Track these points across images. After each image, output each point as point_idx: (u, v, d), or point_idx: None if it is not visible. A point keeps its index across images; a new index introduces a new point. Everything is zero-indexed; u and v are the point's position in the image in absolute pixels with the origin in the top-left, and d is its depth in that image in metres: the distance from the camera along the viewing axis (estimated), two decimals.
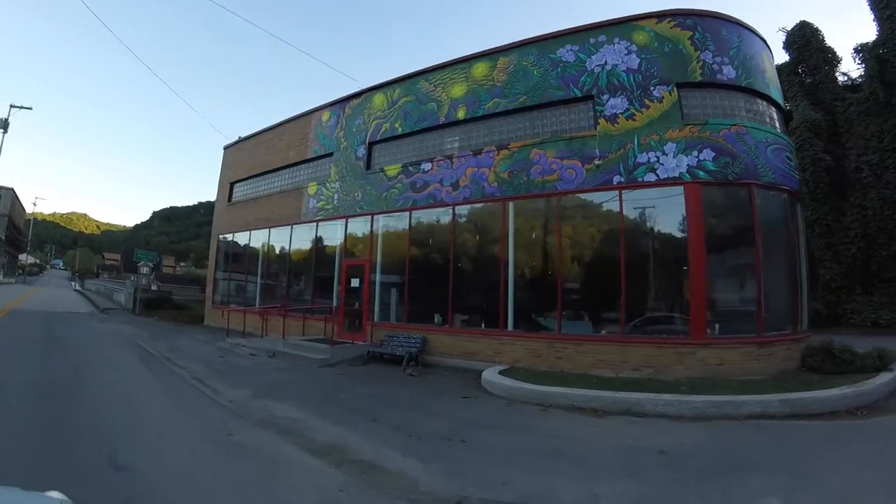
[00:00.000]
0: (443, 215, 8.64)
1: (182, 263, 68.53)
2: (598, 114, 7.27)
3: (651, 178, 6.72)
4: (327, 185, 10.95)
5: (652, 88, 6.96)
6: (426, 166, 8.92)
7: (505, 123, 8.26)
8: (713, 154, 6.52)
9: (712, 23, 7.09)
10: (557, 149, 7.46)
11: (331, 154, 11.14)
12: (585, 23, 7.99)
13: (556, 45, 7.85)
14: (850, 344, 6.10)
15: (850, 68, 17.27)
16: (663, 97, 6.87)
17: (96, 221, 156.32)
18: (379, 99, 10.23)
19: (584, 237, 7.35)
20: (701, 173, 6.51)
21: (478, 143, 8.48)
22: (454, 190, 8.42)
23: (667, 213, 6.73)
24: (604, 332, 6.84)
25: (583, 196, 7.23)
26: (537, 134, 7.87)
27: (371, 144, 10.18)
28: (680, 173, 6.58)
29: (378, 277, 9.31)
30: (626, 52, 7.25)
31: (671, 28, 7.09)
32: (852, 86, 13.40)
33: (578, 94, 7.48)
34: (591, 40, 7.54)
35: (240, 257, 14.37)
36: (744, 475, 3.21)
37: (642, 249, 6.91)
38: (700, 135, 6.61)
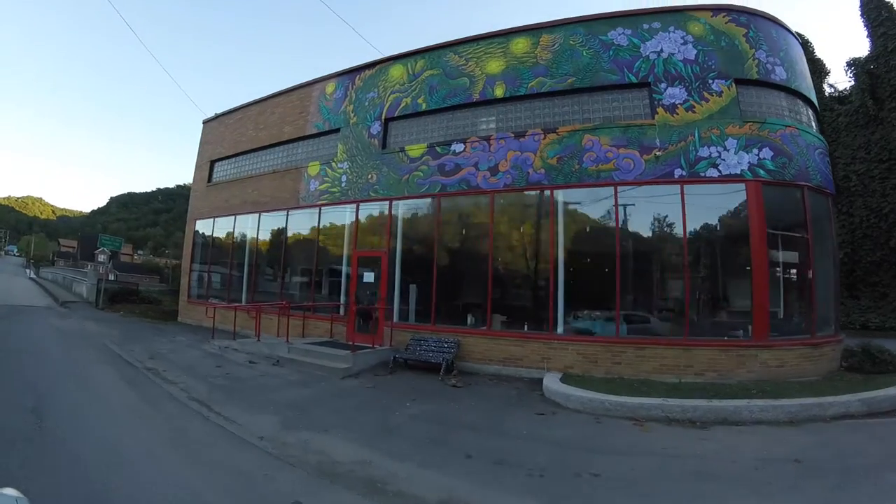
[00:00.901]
0: (478, 203, 7.73)
1: (140, 252, 62.82)
2: (655, 102, 6.87)
3: (713, 173, 6.47)
4: (333, 165, 9.49)
5: (710, 81, 6.70)
6: (457, 147, 7.94)
7: (550, 105, 7.57)
8: (772, 153, 6.42)
9: (763, 23, 7.01)
10: (612, 136, 6.94)
11: (337, 130, 9.69)
12: (635, 7, 7.43)
13: (607, 26, 7.32)
14: (882, 346, 6.27)
15: (838, 80, 18.91)
16: (722, 91, 6.64)
17: (52, 206, 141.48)
18: (397, 71, 9.01)
19: (643, 232, 6.89)
20: (761, 172, 6.38)
21: (518, 125, 7.70)
22: (492, 175, 7.56)
23: (726, 211, 6.51)
24: (667, 335, 6.42)
25: (642, 188, 6.75)
26: (588, 119, 7.29)
27: (388, 121, 8.94)
28: (741, 170, 6.40)
29: (398, 271, 8.17)
30: (681, 41, 6.91)
31: (726, 23, 6.88)
32: (839, 97, 14.61)
33: (634, 79, 7.03)
34: (645, 26, 7.13)
35: (222, 246, 12.32)
36: (879, 474, 3.16)
37: (703, 248, 6.63)
38: (759, 133, 6.48)
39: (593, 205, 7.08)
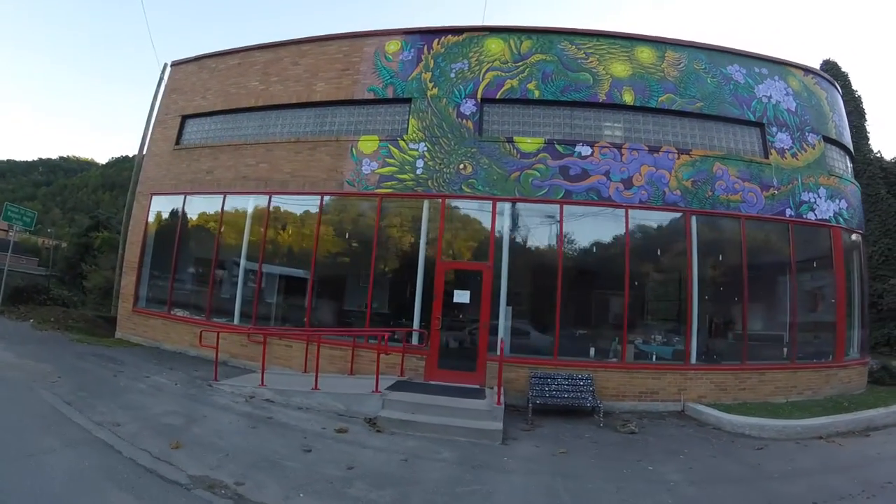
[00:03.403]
0: (610, 217, 6.66)
1: (16, 228, 39.26)
2: (768, 143, 7.18)
3: (811, 216, 7.14)
4: (402, 144, 7.09)
5: (807, 134, 7.44)
6: (583, 150, 6.81)
7: (678, 124, 7.24)
8: (846, 205, 7.43)
9: (831, 88, 8.20)
10: (738, 168, 7.00)
11: (407, 100, 7.37)
12: (748, 49, 7.73)
13: (726, 60, 7.49)
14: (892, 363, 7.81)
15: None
16: (815, 145, 7.43)
17: None
18: (496, 45, 7.37)
19: (764, 264, 6.99)
20: (841, 220, 7.25)
21: (648, 139, 7.12)
22: (626, 189, 6.70)
23: (815, 251, 7.13)
24: (779, 359, 6.67)
25: (757, 223, 6.88)
26: (713, 146, 7.22)
27: (483, 101, 7.12)
28: (829, 216, 7.22)
29: (503, 291, 6.46)
30: (784, 92, 7.51)
31: (813, 84, 7.80)
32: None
33: (752, 117, 7.31)
34: (756, 69, 7.53)
35: (200, 235, 8.40)
36: None
37: (808, 282, 7.06)
38: (838, 186, 7.37)
39: (720, 234, 6.91)
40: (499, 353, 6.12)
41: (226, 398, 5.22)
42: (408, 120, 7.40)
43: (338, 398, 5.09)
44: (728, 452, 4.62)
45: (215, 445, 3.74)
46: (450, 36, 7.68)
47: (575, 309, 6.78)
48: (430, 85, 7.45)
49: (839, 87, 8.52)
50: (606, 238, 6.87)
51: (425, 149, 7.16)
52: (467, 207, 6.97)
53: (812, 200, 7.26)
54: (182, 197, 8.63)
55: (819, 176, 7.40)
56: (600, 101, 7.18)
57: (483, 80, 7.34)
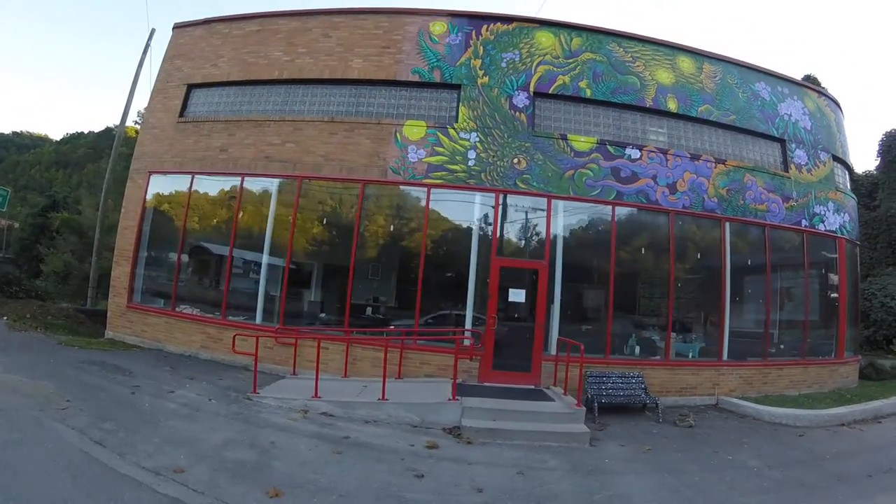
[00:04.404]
0: (656, 220, 7.22)
1: None
2: (788, 158, 8.10)
3: (821, 228, 8.15)
4: (451, 132, 7.08)
5: (819, 152, 8.45)
6: (633, 153, 7.26)
7: (714, 134, 7.92)
8: (848, 218, 8.61)
9: (838, 111, 9.40)
10: (764, 180, 7.81)
11: (456, 87, 7.34)
12: (771, 67, 8.67)
13: (754, 77, 8.30)
14: (878, 361, 9.33)
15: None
16: (826, 162, 8.49)
17: None
18: (546, 38, 7.59)
19: (783, 270, 7.93)
20: (845, 231, 8.42)
21: (688, 146, 7.71)
22: (671, 193, 7.26)
23: (824, 259, 8.26)
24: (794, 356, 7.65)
25: (777, 231, 7.80)
26: (743, 158, 7.99)
27: (537, 95, 7.34)
28: (836, 228, 8.34)
29: (558, 290, 6.71)
30: (801, 112, 8.50)
31: (825, 106, 8.89)
32: None
33: (775, 133, 8.16)
34: (779, 88, 8.42)
35: (210, 221, 7.86)
36: None
37: (819, 287, 8.14)
38: (843, 200, 8.52)
39: (748, 240, 7.73)
40: (554, 352, 6.46)
41: (278, 415, 4.79)
42: (456, 107, 7.36)
43: (410, 409, 4.93)
44: (778, 440, 5.25)
45: (316, 484, 3.34)
46: (499, 24, 7.73)
47: (623, 308, 7.25)
48: (481, 73, 7.47)
49: (843, 110, 9.86)
50: (653, 241, 7.31)
51: (477, 139, 7.19)
52: (522, 204, 7.06)
53: (822, 213, 8.33)
54: (189, 177, 7.85)
55: (828, 191, 8.48)
56: (647, 105, 7.62)
57: (535, 72, 7.51)
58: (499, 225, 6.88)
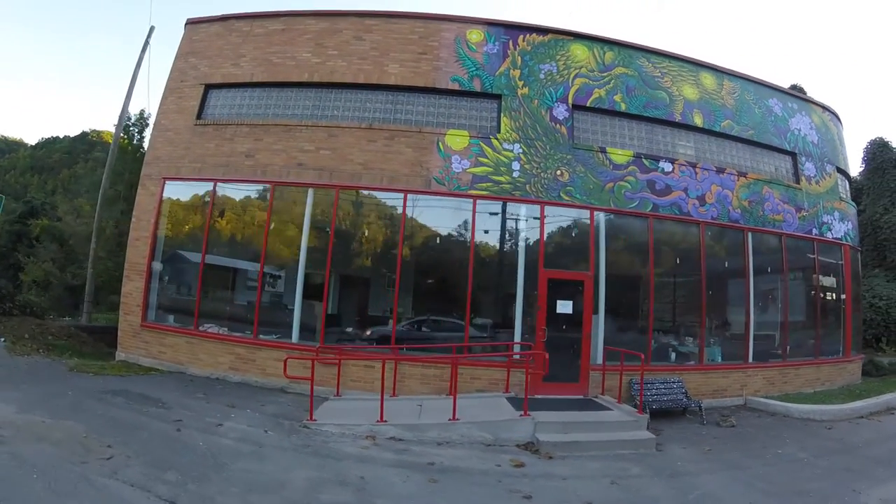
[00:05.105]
0: (687, 231, 7.82)
1: None
2: (799, 171, 8.95)
3: (829, 236, 9.05)
4: (495, 142, 7.36)
5: (825, 164, 9.35)
6: (666, 166, 7.81)
7: (734, 149, 8.60)
8: (851, 225, 9.59)
9: (839, 125, 10.35)
10: (780, 192, 8.58)
11: (497, 97, 7.60)
12: (782, 85, 9.53)
13: (767, 93, 9.07)
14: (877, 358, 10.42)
15: None
16: (831, 174, 9.41)
17: None
18: (581, 52, 8.01)
19: (798, 276, 8.74)
20: (849, 238, 9.39)
21: (714, 160, 8.34)
22: (701, 205, 7.86)
23: (830, 265, 9.20)
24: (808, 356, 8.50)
25: (791, 240, 8.63)
26: (760, 171, 8.71)
27: (575, 108, 7.76)
28: (842, 235, 9.27)
29: (602, 300, 7.13)
30: (809, 126, 9.38)
31: (829, 121, 9.84)
32: None
33: (787, 147, 8.96)
34: (789, 104, 9.26)
35: (236, 232, 7.75)
36: None
37: (825, 291, 9.04)
38: (846, 210, 9.51)
39: (767, 249, 8.49)
40: (600, 361, 6.92)
41: (346, 444, 4.73)
42: (497, 117, 7.61)
43: (483, 427, 5.06)
44: (813, 433, 5.92)
45: None
46: (535, 34, 8.05)
47: (659, 316, 7.80)
48: (520, 83, 7.78)
49: (842, 123, 10.96)
50: (686, 251, 7.85)
51: (520, 151, 7.49)
52: (565, 215, 7.39)
53: (830, 222, 9.23)
54: (211, 184, 7.67)
55: (834, 201, 9.40)
56: (676, 120, 8.16)
57: (572, 85, 7.88)
58: (544, 237, 7.24)
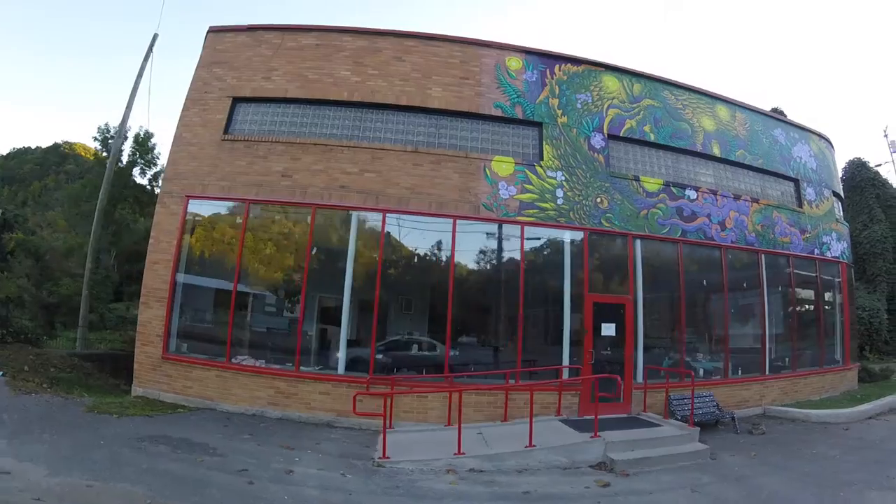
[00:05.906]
0: (711, 255, 8.70)
1: None
2: (802, 196, 10.15)
3: (829, 254, 10.25)
4: (539, 169, 7.93)
5: (823, 189, 10.61)
6: (691, 194, 8.67)
7: (747, 176, 9.61)
8: (846, 245, 10.88)
9: (832, 151, 11.64)
10: (787, 215, 9.68)
11: (538, 125, 8.17)
12: (784, 117, 10.76)
13: (772, 123, 10.21)
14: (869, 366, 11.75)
15: None
16: (829, 198, 10.66)
17: None
18: (612, 83, 8.77)
19: (804, 292, 9.88)
20: (845, 257, 10.67)
21: (730, 187, 9.28)
22: (722, 230, 8.76)
23: (830, 283, 10.46)
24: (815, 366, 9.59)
25: (796, 260, 9.77)
26: (769, 196, 9.76)
27: (610, 138, 8.49)
28: (838, 255, 10.49)
29: (640, 322, 7.82)
30: (808, 154, 10.61)
31: (825, 148, 11.13)
32: None
33: (792, 174, 10.10)
34: (792, 133, 10.46)
35: (270, 256, 7.77)
36: None
37: (825, 307, 10.25)
38: (842, 230, 10.83)
39: (776, 269, 9.57)
40: (640, 380, 7.60)
41: (432, 481, 4.87)
42: (539, 145, 8.18)
43: (559, 452, 5.50)
44: (834, 434, 6.74)
45: None
46: (569, 64, 8.70)
47: (690, 335, 8.67)
48: (559, 112, 8.39)
49: (835, 148, 12.42)
50: (710, 273, 8.71)
51: (563, 178, 8.08)
52: (606, 241, 8.06)
53: (828, 242, 10.44)
54: (242, 205, 7.70)
55: (831, 222, 10.62)
56: (697, 150, 9.07)
57: (606, 115, 8.59)
58: (588, 262, 7.88)
